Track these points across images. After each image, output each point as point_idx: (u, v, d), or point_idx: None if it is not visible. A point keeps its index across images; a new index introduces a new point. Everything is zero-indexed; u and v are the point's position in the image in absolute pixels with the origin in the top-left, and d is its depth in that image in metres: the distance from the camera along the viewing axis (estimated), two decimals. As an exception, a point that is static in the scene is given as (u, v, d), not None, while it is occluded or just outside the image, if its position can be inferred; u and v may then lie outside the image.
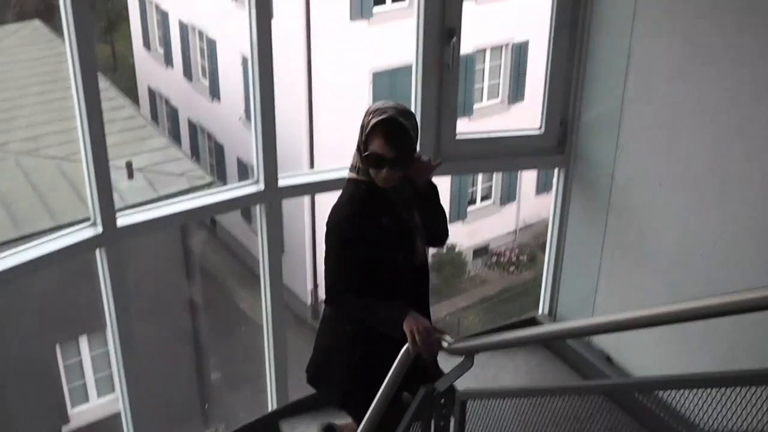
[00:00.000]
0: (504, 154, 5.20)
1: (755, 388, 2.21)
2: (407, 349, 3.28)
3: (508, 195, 19.19)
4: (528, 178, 18.74)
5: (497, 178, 18.73)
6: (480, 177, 18.35)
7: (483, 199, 19.05)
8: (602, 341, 4.93)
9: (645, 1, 4.36)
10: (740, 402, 2.28)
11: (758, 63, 3.88)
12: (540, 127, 5.05)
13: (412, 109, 4.77)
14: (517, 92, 18.27)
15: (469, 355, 3.21)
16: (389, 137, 3.25)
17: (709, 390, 2.38)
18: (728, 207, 4.13)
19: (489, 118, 17.34)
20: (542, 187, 18.57)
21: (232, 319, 16.05)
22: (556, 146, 5.04)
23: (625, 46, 4.49)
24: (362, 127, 3.34)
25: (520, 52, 17.86)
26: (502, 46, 17.85)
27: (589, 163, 4.92)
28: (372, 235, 3.41)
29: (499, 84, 18.32)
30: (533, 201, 18.69)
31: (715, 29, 4.04)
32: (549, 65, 4.92)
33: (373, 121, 3.28)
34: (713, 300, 2.21)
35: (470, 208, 18.60)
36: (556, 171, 5.17)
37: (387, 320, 3.37)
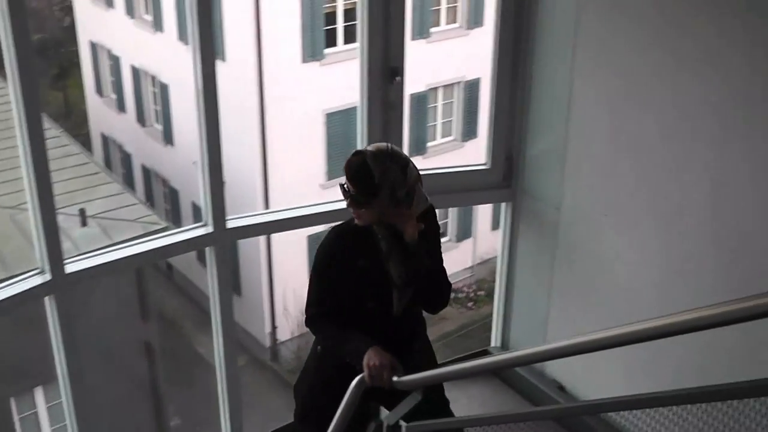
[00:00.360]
0: (454, 190, 5.24)
1: (700, 405, 2.26)
2: (360, 379, 3.30)
3: (464, 231, 19.28)
4: (483, 214, 18.85)
5: (453, 215, 18.82)
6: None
7: (440, 236, 19.10)
8: (554, 371, 4.98)
9: (584, 38, 4.46)
10: (689, 418, 2.33)
11: (692, 96, 3.98)
12: (487, 162, 5.12)
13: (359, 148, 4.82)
14: (470, 129, 18.42)
15: (418, 389, 3.25)
16: (348, 171, 3.24)
17: (656, 409, 2.43)
18: (671, 235, 4.22)
19: (443, 156, 17.46)
20: (497, 222, 18.62)
21: (190, 364, 15.93)
22: (503, 181, 5.10)
23: (566, 81, 4.58)
24: None
25: (472, 89, 18.04)
26: (454, 84, 18.02)
27: (536, 197, 4.99)
28: (344, 274, 3.38)
29: (452, 121, 18.47)
30: (489, 236, 18.77)
31: (652, 63, 4.14)
32: (493, 101, 4.99)
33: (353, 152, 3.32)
34: (656, 322, 2.26)
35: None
36: (503, 205, 5.23)
37: (351, 352, 3.35)
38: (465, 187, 5.26)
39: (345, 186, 3.25)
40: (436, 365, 3.72)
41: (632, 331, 2.37)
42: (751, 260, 3.90)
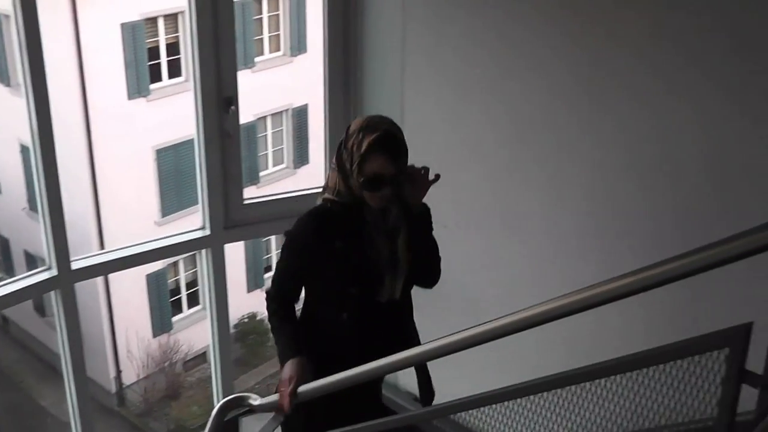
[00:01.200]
0: (292, 214, 5.30)
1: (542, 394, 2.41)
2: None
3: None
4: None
5: (291, 241, 18.80)
6: (274, 243, 18.42)
7: (279, 264, 19.05)
8: (407, 383, 5.06)
9: (412, 53, 4.61)
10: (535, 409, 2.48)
11: (523, 103, 4.20)
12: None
13: (198, 181, 4.86)
14: (302, 155, 18.51)
15: (278, 410, 3.29)
16: (390, 154, 3.01)
17: (503, 404, 2.57)
18: (513, 244, 4.40)
19: (277, 184, 17.48)
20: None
21: (33, 419, 15.42)
22: (342, 201, 5.20)
23: (398, 98, 4.72)
24: (351, 149, 3.05)
25: (300, 116, 18.14)
26: (282, 112, 18.08)
27: None
28: (320, 257, 3.18)
29: (283, 149, 18.52)
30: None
31: (481, 73, 4.33)
32: (327, 126, 5.10)
33: (367, 141, 3.00)
34: (493, 324, 2.41)
35: (267, 276, 18.61)
36: (344, 225, 5.32)
37: (280, 353, 3.30)
38: (305, 211, 5.33)
39: (378, 175, 3.01)
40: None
41: (472, 335, 2.53)
42: (588, 259, 4.12)
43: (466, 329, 2.55)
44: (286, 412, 3.20)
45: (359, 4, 4.84)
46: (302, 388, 3.17)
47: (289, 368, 3.20)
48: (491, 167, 4.42)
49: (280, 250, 3.35)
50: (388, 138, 2.99)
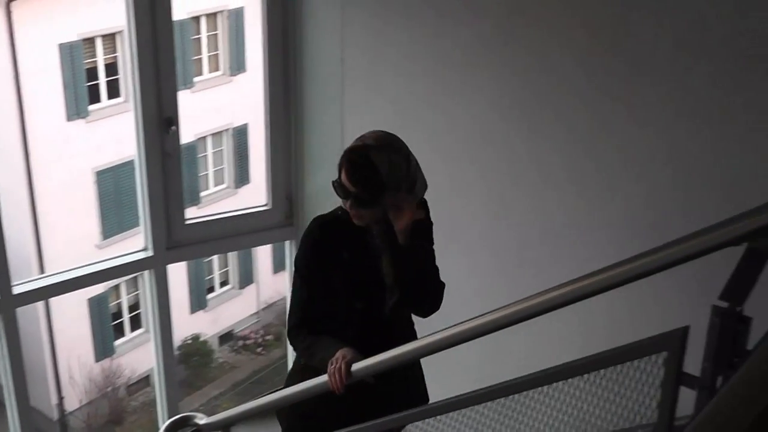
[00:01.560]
0: (236, 233, 5.32)
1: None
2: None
3: (246, 278, 19.23)
4: (263, 259, 18.86)
5: (233, 262, 18.75)
6: (216, 263, 18.33)
7: (222, 284, 18.98)
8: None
9: (351, 73, 4.67)
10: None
11: (461, 120, 4.25)
12: (267, 203, 5.23)
13: (139, 201, 4.84)
14: (242, 175, 18.44)
15: (225, 428, 3.29)
16: (349, 170, 2.85)
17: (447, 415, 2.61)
18: (454, 254, 4.44)
19: (218, 203, 17.39)
20: (278, 265, 18.75)
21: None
22: (285, 219, 5.24)
23: (338, 117, 4.78)
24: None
25: (240, 135, 18.08)
26: (222, 132, 18.01)
27: None
28: (329, 268, 3.02)
29: (224, 169, 18.44)
30: (271, 280, 18.82)
31: (420, 92, 4.40)
32: (268, 145, 5.12)
33: (347, 147, 2.92)
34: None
35: (210, 296, 18.48)
36: (287, 243, 5.35)
37: (321, 360, 2.97)
38: (248, 229, 5.36)
39: (343, 185, 2.87)
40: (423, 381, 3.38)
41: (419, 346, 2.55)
42: (527, 271, 4.19)
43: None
44: (340, 392, 2.90)
45: (298, 22, 4.87)
46: (357, 365, 2.87)
47: (337, 350, 2.93)
48: (433, 183, 4.45)
49: (293, 274, 3.14)
50: (354, 154, 2.86)
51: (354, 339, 2.99)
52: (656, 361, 1.93)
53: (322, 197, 5.04)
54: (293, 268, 3.17)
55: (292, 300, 3.15)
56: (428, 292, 3.03)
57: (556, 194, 4.02)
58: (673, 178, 3.59)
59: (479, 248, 4.39)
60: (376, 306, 3.01)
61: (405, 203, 2.88)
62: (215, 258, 17.40)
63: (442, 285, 3.07)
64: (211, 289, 18.58)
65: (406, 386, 3.22)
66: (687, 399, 1.90)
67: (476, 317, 2.37)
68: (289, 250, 5.36)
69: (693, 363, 1.89)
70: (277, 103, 5.04)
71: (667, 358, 1.89)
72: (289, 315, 3.15)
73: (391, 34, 4.49)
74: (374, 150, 2.84)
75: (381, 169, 2.82)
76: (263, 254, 18.38)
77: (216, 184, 18.40)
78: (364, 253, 2.99)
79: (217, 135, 17.99)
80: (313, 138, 5.00)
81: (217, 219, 5.32)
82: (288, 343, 3.28)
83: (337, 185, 2.89)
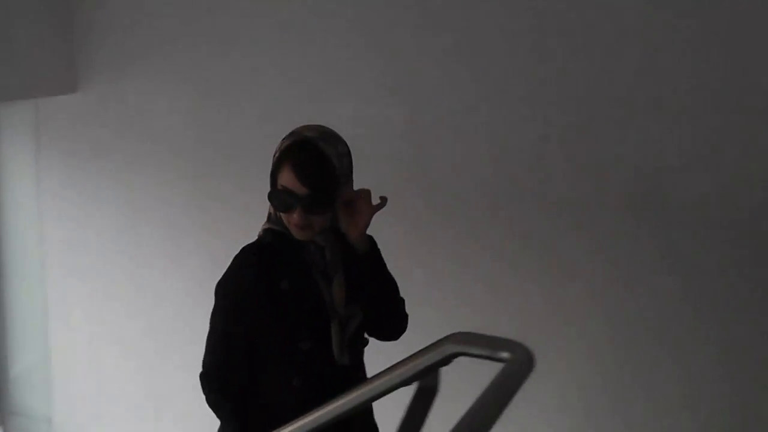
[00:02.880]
0: None
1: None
2: None
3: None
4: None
5: None
6: None
7: None
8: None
9: (52, 251, 4.71)
10: None
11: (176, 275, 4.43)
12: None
13: None
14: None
15: None
16: (300, 167, 2.30)
17: None
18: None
19: None
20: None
21: None
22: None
23: (42, 299, 4.78)
24: (273, 155, 2.40)
25: None
26: None
27: (26, 415, 5.00)
28: (263, 303, 2.41)
29: None
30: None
31: (120, 262, 4.53)
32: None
33: (283, 145, 2.38)
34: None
35: None
36: (-2, 430, 5.16)
37: None
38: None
39: (289, 190, 2.32)
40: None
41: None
42: None
43: None
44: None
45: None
46: None
47: None
48: (140, 356, 4.57)
49: (210, 314, 2.51)
50: (303, 147, 2.33)
51: (302, 390, 2.44)
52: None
53: (28, 380, 4.96)
54: (215, 299, 2.50)
55: (208, 343, 2.51)
56: (397, 305, 2.58)
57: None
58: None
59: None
60: (325, 345, 2.45)
61: (359, 199, 2.39)
62: None
63: (401, 300, 2.60)
64: None
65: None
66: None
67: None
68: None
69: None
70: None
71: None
72: (204, 359, 2.52)
73: (90, 210, 4.57)
74: (321, 141, 2.34)
75: (335, 162, 2.35)
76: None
77: None
78: (307, 281, 2.45)
79: None
80: (15, 322, 4.91)
81: None
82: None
83: (277, 195, 2.35)
